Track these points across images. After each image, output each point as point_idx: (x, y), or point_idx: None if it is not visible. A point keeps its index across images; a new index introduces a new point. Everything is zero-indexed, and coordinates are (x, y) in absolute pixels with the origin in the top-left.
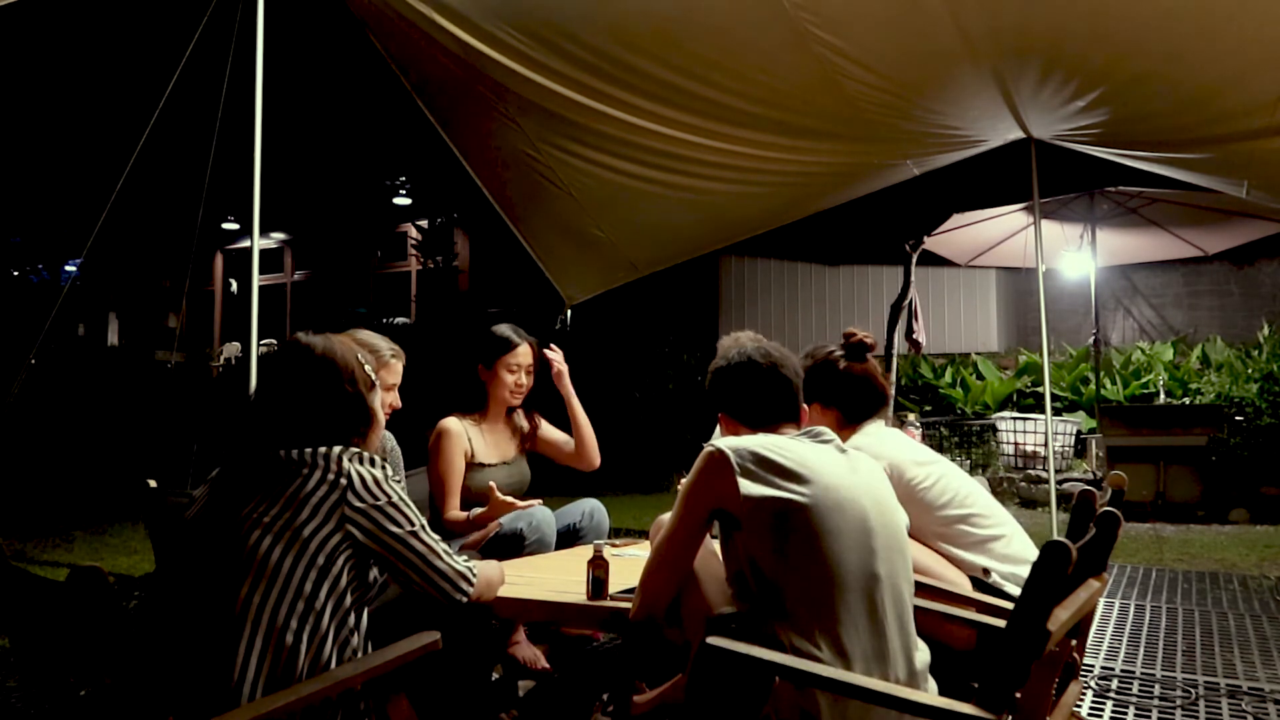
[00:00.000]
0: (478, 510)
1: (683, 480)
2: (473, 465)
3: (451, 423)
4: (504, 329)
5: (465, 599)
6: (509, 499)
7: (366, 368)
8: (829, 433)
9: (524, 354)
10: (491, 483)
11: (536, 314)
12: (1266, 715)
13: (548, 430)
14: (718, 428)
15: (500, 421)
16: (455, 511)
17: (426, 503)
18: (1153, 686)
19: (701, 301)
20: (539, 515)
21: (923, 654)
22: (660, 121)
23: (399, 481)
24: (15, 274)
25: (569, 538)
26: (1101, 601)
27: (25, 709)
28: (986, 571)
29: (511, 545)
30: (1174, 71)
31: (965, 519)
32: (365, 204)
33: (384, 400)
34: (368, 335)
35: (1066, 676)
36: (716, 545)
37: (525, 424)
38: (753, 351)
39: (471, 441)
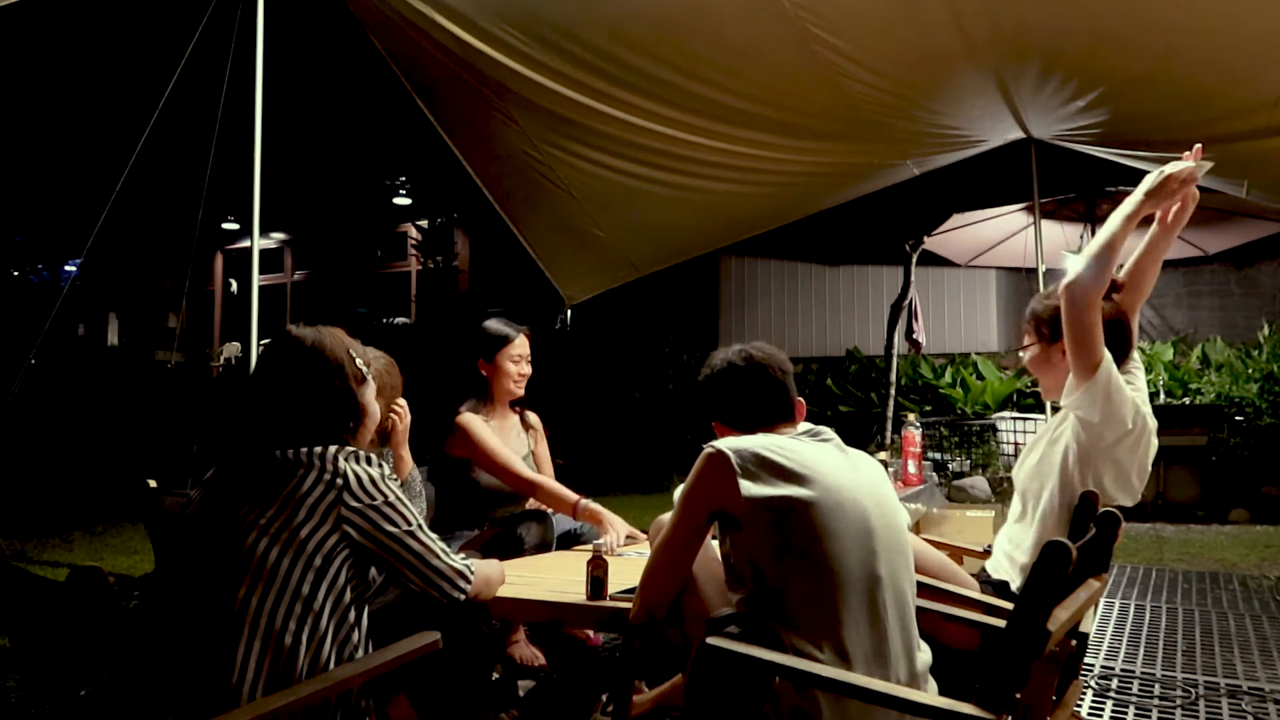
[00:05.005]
0: (586, 503)
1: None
2: None
3: (469, 414)
4: (497, 324)
5: (463, 597)
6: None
7: (358, 362)
8: (829, 431)
9: (521, 344)
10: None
11: (536, 314)
12: (1266, 715)
13: (542, 448)
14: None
15: (506, 418)
16: (524, 470)
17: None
18: (1153, 686)
19: (701, 301)
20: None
21: (924, 655)
22: (660, 121)
23: (418, 496)
24: (15, 274)
25: (569, 542)
26: (1101, 601)
27: (25, 709)
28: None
29: (512, 545)
30: (1174, 71)
31: None
32: (365, 204)
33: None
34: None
35: (1066, 676)
36: (716, 546)
37: (530, 424)
38: (733, 356)
39: None
